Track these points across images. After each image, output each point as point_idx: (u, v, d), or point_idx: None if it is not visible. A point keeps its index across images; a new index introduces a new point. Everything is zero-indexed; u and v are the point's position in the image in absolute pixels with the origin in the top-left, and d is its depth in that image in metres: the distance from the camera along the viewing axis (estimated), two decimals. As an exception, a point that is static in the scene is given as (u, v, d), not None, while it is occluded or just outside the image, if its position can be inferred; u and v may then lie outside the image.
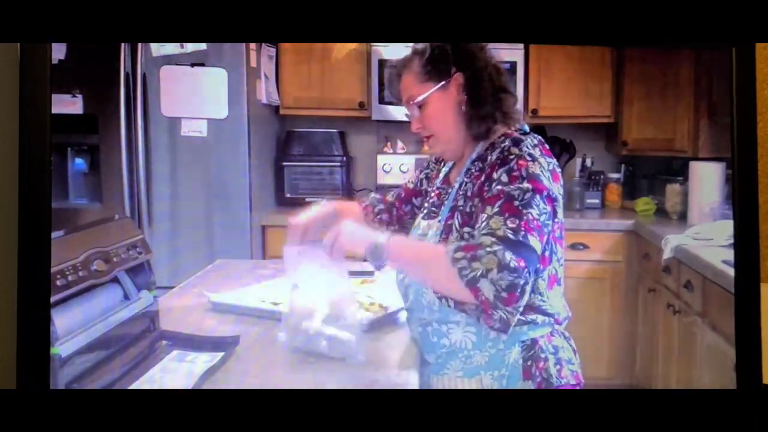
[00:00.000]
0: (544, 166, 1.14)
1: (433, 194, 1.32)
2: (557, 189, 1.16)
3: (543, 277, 1.18)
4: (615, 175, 2.99)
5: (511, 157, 1.14)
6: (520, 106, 1.40)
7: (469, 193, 1.20)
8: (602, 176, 2.98)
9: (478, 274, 1.07)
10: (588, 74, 2.81)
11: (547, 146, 1.19)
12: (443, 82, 1.21)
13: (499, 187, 1.13)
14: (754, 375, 1.25)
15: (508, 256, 1.07)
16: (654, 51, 2.68)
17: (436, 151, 1.30)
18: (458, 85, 1.21)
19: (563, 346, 1.23)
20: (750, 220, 1.27)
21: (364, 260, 1.17)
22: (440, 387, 1.24)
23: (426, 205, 1.33)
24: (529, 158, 1.13)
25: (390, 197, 1.48)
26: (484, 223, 1.12)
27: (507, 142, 1.17)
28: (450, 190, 1.26)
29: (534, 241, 1.10)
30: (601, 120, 2.88)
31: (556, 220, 1.17)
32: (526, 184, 1.11)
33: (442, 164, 1.36)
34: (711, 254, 2.00)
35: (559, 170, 1.18)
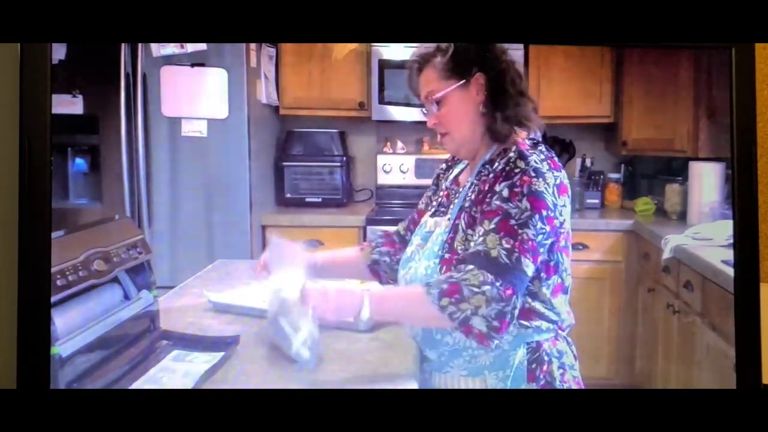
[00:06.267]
0: (550, 181, 1.14)
1: (441, 194, 1.32)
2: (563, 202, 1.16)
3: (548, 286, 1.18)
4: (615, 175, 2.99)
5: (516, 170, 1.14)
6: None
7: (474, 197, 1.20)
8: (602, 176, 2.98)
9: (469, 313, 1.09)
10: (588, 74, 2.81)
11: (556, 159, 1.18)
12: (463, 81, 1.21)
13: (498, 202, 1.13)
14: (754, 375, 1.25)
15: (495, 290, 1.09)
16: (654, 51, 2.68)
17: (449, 148, 1.29)
18: (479, 85, 1.21)
19: (566, 351, 1.24)
20: (749, 220, 1.27)
21: None
22: (443, 385, 1.24)
23: (434, 203, 1.33)
24: (533, 174, 1.13)
25: (400, 227, 1.44)
26: (481, 239, 1.13)
27: (513, 154, 1.17)
28: (460, 190, 1.26)
29: (527, 264, 1.11)
30: (601, 120, 2.88)
31: (561, 230, 1.17)
32: (525, 203, 1.11)
33: (451, 171, 1.36)
34: (711, 254, 2.00)
35: (567, 181, 1.17)
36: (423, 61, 1.24)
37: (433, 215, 1.30)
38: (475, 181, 1.22)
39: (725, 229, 2.12)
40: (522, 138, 1.21)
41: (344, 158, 2.94)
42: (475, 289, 1.09)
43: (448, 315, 1.10)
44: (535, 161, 1.15)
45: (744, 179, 1.27)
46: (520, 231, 1.11)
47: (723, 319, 1.83)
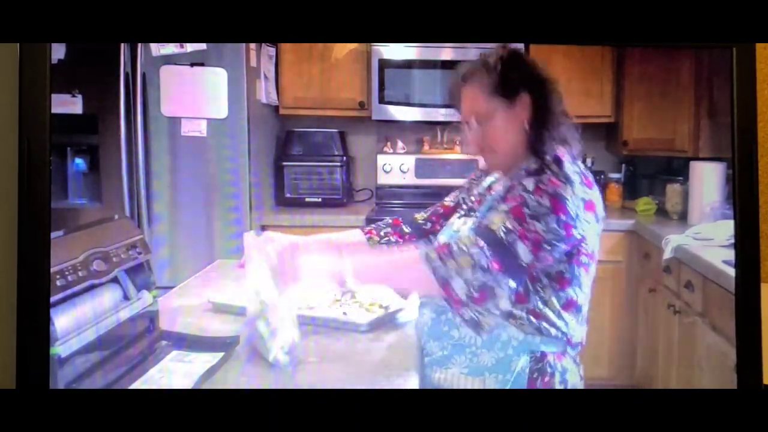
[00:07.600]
0: (578, 193, 1.13)
1: (474, 200, 1.34)
2: (587, 218, 1.15)
3: (558, 297, 1.19)
4: (615, 175, 2.98)
5: (548, 172, 1.15)
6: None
7: (504, 194, 1.22)
8: (603, 176, 2.97)
9: (453, 272, 1.09)
10: (588, 74, 2.81)
11: (591, 179, 1.19)
12: (510, 100, 1.21)
13: (521, 191, 1.14)
14: (754, 375, 1.25)
15: (483, 257, 1.09)
16: (654, 51, 2.68)
17: (490, 164, 1.30)
18: (524, 105, 1.21)
19: (571, 369, 1.24)
20: (750, 220, 1.27)
21: None
22: (443, 381, 1.24)
23: (464, 207, 1.35)
24: (563, 180, 1.14)
25: (419, 216, 1.44)
26: (490, 218, 1.14)
27: (549, 158, 1.18)
28: (493, 194, 1.28)
29: (522, 249, 1.10)
30: (602, 120, 2.88)
31: (584, 246, 1.17)
32: (545, 201, 1.11)
33: (484, 179, 1.37)
34: (711, 254, 1.99)
35: (598, 204, 1.17)
36: (468, 76, 1.24)
37: (461, 216, 1.33)
38: (508, 183, 1.24)
39: (726, 229, 2.12)
40: (563, 153, 1.22)
41: (344, 158, 2.94)
42: (464, 249, 1.10)
43: (432, 269, 1.10)
44: (568, 170, 1.16)
45: (745, 179, 1.26)
46: (528, 220, 1.11)
47: (724, 319, 1.82)
